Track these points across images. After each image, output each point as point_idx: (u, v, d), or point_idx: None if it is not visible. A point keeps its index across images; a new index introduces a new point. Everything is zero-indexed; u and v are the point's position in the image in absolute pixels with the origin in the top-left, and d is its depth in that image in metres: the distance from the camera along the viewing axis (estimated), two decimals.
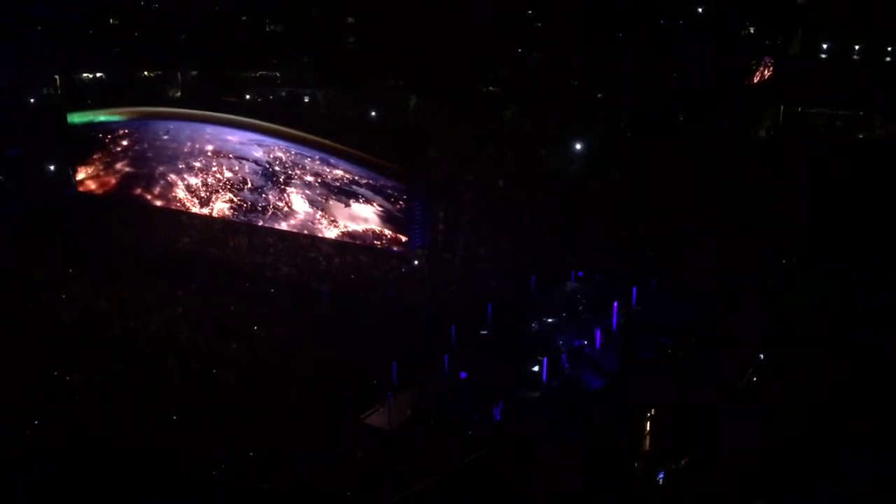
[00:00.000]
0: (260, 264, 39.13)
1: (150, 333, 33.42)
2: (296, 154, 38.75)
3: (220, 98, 45.01)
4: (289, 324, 33.79)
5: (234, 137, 40.32)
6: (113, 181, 44.24)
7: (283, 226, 39.98)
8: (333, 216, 38.20)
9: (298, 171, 38.82)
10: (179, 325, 34.02)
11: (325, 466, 24.73)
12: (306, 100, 48.83)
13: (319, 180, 38.23)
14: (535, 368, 26.78)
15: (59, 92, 50.92)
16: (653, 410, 24.94)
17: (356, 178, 37.16)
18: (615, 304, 29.02)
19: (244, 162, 40.35)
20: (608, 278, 31.71)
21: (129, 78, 51.22)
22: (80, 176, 44.92)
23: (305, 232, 39.13)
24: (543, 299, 31.01)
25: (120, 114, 43.15)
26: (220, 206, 41.85)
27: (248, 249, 40.14)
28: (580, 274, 32.19)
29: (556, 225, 36.27)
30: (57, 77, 51.48)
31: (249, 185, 40.61)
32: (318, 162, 38.08)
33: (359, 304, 34.60)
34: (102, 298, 36.10)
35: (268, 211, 40.39)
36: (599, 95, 42.35)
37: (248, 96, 48.83)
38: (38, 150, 46.71)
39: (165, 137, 42.08)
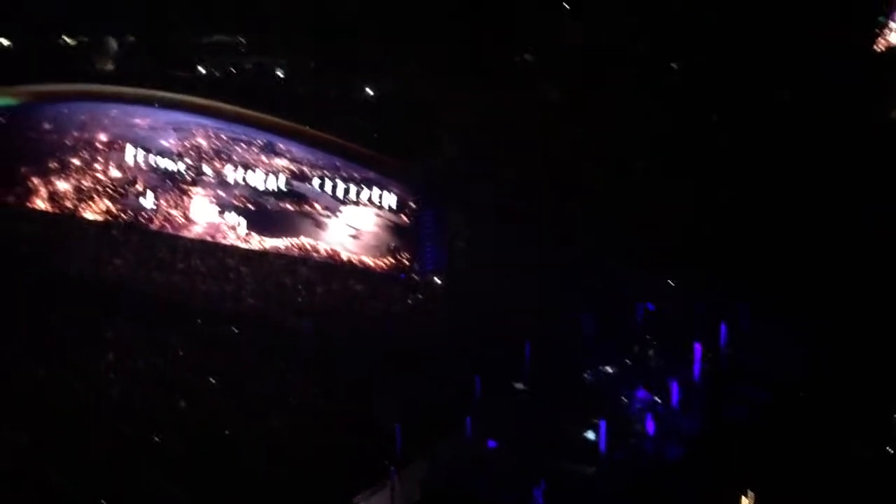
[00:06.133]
0: (218, 294, 39.31)
1: (70, 387, 33.64)
2: (232, 139, 39.57)
3: (164, 72, 45.17)
4: (257, 374, 34.05)
5: (143, 121, 40.89)
6: (8, 183, 44.90)
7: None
8: (301, 228, 38.53)
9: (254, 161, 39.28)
10: (109, 375, 34.14)
11: None
12: (279, 73, 48.82)
13: (287, 178, 38.59)
14: (590, 435, 26.72)
15: None
16: (749, 490, 24.80)
17: (338, 176, 37.41)
18: (697, 346, 28.89)
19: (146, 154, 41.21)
20: (686, 311, 31.71)
21: (44, 47, 51.41)
22: None
23: (282, 248, 39.24)
24: (600, 340, 31.09)
25: (18, 95, 43.68)
26: (91, 217, 42.74)
27: (202, 274, 40.31)
28: (649, 306, 32.19)
29: (614, 240, 36.05)
30: None
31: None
32: (283, 156, 38.44)
33: (351, 347, 34.81)
34: (6, 339, 36.29)
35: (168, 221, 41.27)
36: (673, 65, 42.02)
37: (201, 70, 48.93)
38: None
39: (47, 127, 42.69)
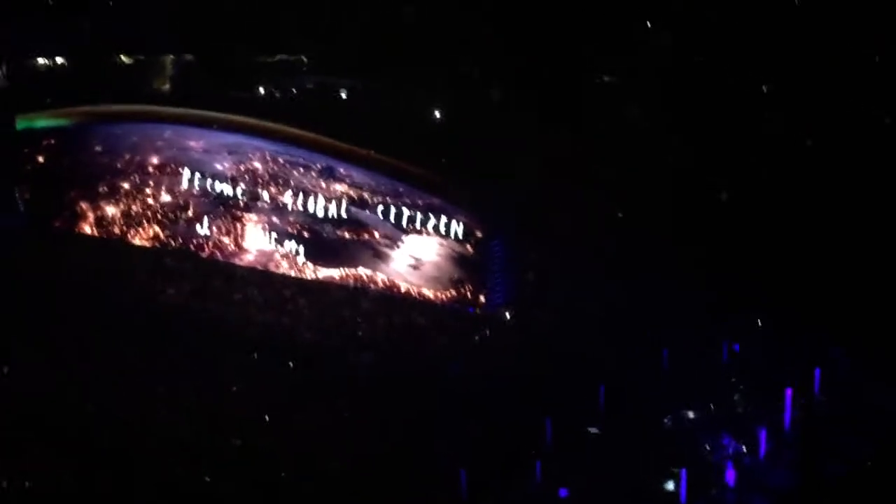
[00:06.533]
0: (274, 326, 39.31)
1: (118, 421, 33.63)
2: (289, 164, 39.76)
3: (223, 93, 45.52)
4: (313, 411, 33.87)
5: (197, 143, 41.29)
6: (57, 208, 45.62)
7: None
8: (359, 258, 38.65)
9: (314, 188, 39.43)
10: (158, 410, 34.20)
11: None
12: (343, 94, 49.02)
13: (346, 204, 38.64)
14: (670, 485, 26.47)
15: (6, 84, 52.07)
16: None
17: (401, 202, 37.32)
18: (787, 391, 28.36)
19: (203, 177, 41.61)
20: (776, 353, 31.28)
21: (99, 66, 52.11)
22: (30, 200, 45.98)
23: (338, 279, 39.28)
24: (681, 382, 30.77)
25: (71, 116, 44.33)
26: (140, 243, 43.34)
27: (254, 304, 40.46)
28: (735, 347, 31.81)
29: (697, 274, 35.45)
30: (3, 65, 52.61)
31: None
32: (343, 181, 38.58)
33: (413, 384, 34.47)
34: (54, 370, 36.51)
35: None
36: (764, 89, 41.41)
37: (261, 90, 49.30)
38: None
39: (100, 149, 43.26)
